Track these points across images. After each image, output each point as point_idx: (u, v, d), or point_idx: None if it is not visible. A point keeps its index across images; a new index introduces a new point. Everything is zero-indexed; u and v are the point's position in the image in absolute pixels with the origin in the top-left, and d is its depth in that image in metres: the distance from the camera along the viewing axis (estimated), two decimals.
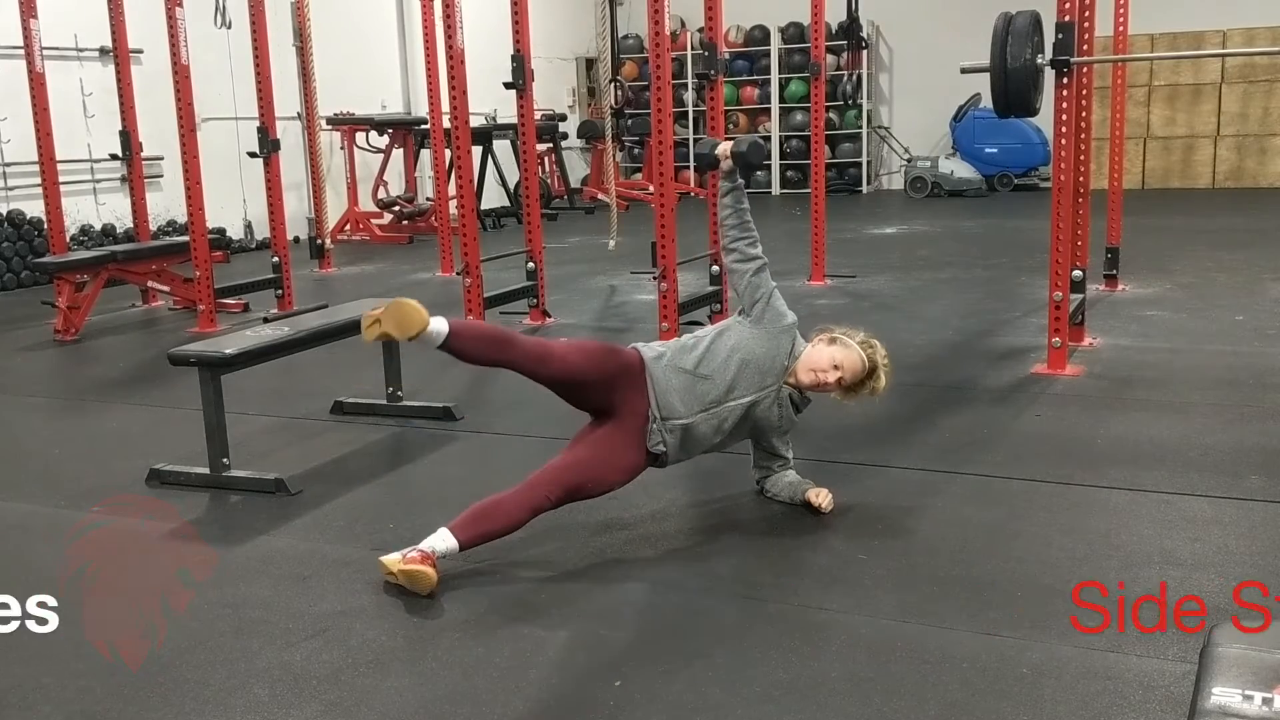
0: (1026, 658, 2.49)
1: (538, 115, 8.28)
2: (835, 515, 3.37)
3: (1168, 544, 3.11)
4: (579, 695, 2.41)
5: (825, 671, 2.46)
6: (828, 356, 3.26)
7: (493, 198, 12.59)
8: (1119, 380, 4.90)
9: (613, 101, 10.45)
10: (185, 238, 7.20)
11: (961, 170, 13.98)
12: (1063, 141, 4.90)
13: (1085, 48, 5.12)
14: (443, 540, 2.95)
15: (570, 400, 3.28)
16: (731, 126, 15.07)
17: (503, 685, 2.45)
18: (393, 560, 2.93)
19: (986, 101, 6.51)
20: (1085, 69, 5.23)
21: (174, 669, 2.58)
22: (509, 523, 3.04)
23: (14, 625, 2.82)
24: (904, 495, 3.58)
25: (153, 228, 8.78)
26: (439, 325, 3.11)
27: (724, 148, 3.45)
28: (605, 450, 3.16)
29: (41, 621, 2.85)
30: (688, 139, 15.42)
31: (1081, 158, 5.35)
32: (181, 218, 8.33)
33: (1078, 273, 5.40)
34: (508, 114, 8.77)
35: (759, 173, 15.59)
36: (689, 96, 15.24)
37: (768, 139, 15.44)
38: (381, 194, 11.50)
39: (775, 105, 15.32)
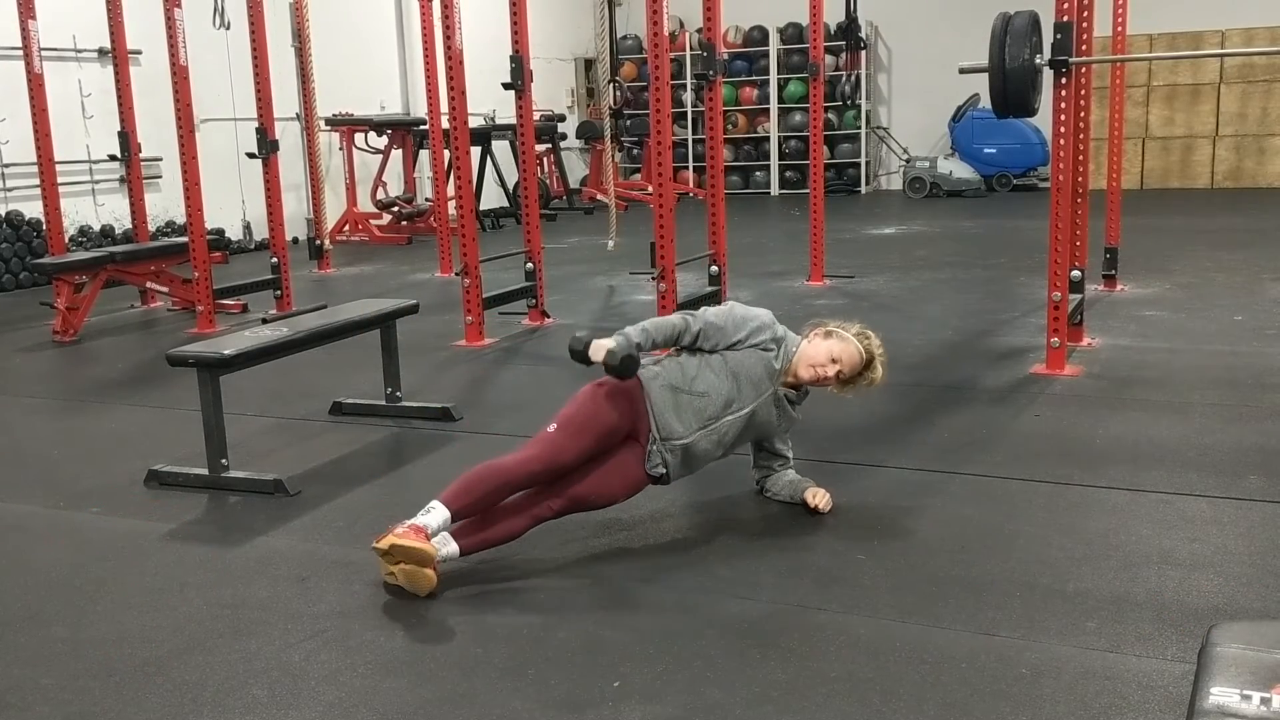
0: (1025, 658, 2.49)
1: (536, 116, 8.28)
2: (834, 515, 3.37)
3: (1166, 544, 3.11)
4: (578, 695, 2.40)
5: (824, 672, 2.46)
6: (825, 351, 3.27)
7: (492, 198, 12.59)
8: (1118, 380, 4.90)
9: (611, 102, 10.46)
10: (184, 239, 7.20)
11: (960, 170, 13.99)
12: (1061, 142, 4.90)
13: (1084, 48, 5.13)
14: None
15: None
16: (730, 126, 15.08)
17: (501, 685, 2.45)
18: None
19: (985, 102, 6.52)
20: (1084, 69, 5.23)
21: (172, 670, 2.58)
22: (510, 532, 3.06)
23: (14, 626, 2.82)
24: (903, 495, 3.58)
25: (151, 229, 8.78)
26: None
27: (597, 348, 3.16)
28: (611, 466, 3.16)
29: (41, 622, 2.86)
30: (687, 139, 15.43)
31: (1080, 158, 5.35)
32: (180, 219, 8.33)
33: (1076, 273, 5.40)
34: (506, 114, 8.77)
35: (757, 174, 15.61)
36: (688, 97, 15.24)
37: (756, 147, 15.43)
38: (380, 195, 11.50)
39: (774, 105, 15.32)
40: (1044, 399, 4.65)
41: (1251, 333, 5.75)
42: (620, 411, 3.15)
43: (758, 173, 15.64)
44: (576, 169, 14.97)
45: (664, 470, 3.21)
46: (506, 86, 6.31)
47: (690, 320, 3.28)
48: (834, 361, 3.25)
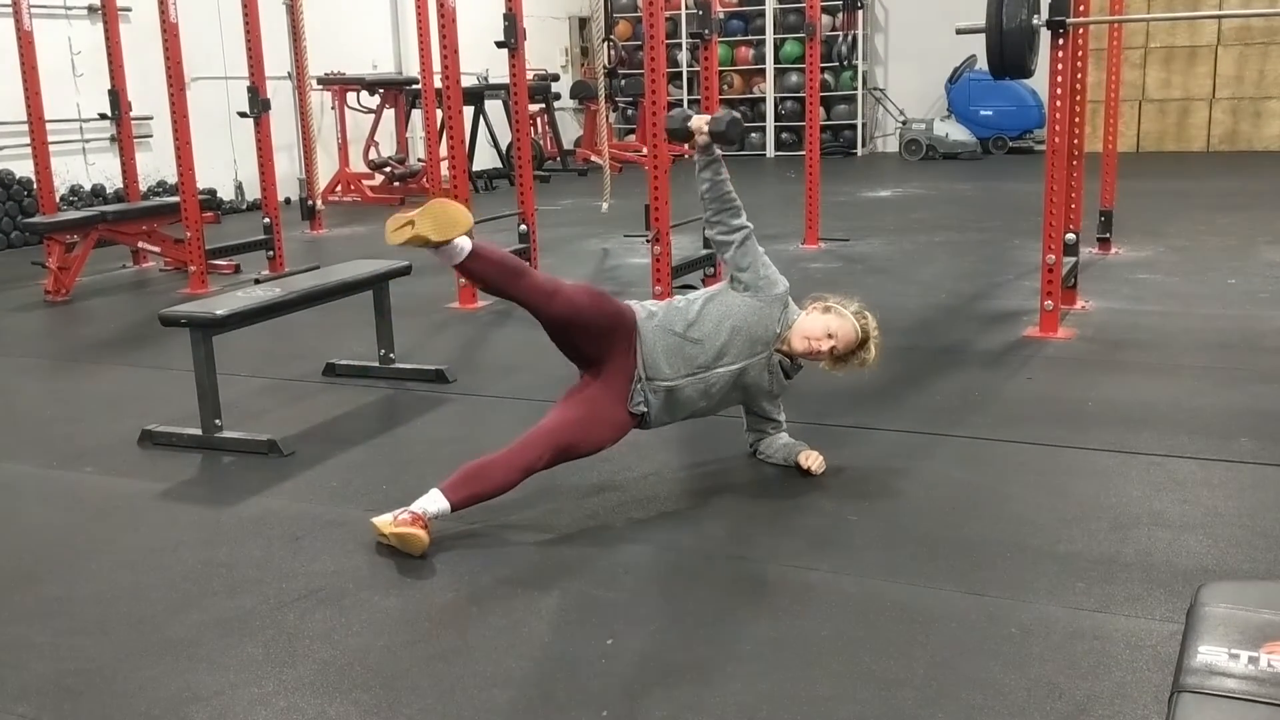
0: (1015, 617, 2.51)
1: (530, 75, 8.20)
2: (826, 477, 3.38)
3: (1157, 505, 3.12)
4: (571, 653, 2.42)
5: (814, 630, 2.48)
6: (822, 325, 3.26)
7: (485, 159, 12.52)
8: (1110, 343, 4.91)
9: (606, 61, 10.35)
10: (175, 198, 7.16)
11: (956, 133, 13.93)
12: (1058, 104, 4.88)
13: (1081, 8, 5.09)
14: (434, 501, 2.96)
15: (563, 345, 3.25)
16: (726, 87, 14.99)
17: (496, 644, 2.47)
18: (384, 522, 2.94)
19: (982, 63, 6.47)
20: (1081, 30, 5.19)
21: (167, 628, 2.59)
22: (501, 484, 3.04)
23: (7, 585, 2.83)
24: (894, 457, 3.59)
25: (142, 188, 8.72)
26: (462, 240, 3.10)
27: (698, 121, 3.33)
28: (594, 409, 3.16)
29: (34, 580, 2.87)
30: (682, 100, 15.32)
31: (1076, 120, 5.33)
32: (172, 178, 8.27)
33: (1071, 236, 5.39)
34: (500, 74, 8.70)
35: (752, 136, 15.53)
36: (683, 57, 15.14)
37: (751, 108, 15.36)
38: (373, 155, 11.43)
39: (770, 66, 15.23)
40: (1036, 362, 4.66)
41: (1244, 296, 5.75)
42: (613, 322, 3.18)
43: (753, 134, 15.56)
44: (570, 130, 14.87)
45: (645, 409, 3.20)
46: (500, 45, 6.26)
47: (750, 236, 3.32)
48: (829, 336, 3.25)
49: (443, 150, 7.88)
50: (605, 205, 7.95)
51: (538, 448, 3.06)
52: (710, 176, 3.36)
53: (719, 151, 3.37)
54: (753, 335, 3.25)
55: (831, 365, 3.32)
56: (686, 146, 3.46)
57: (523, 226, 6.58)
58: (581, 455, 3.18)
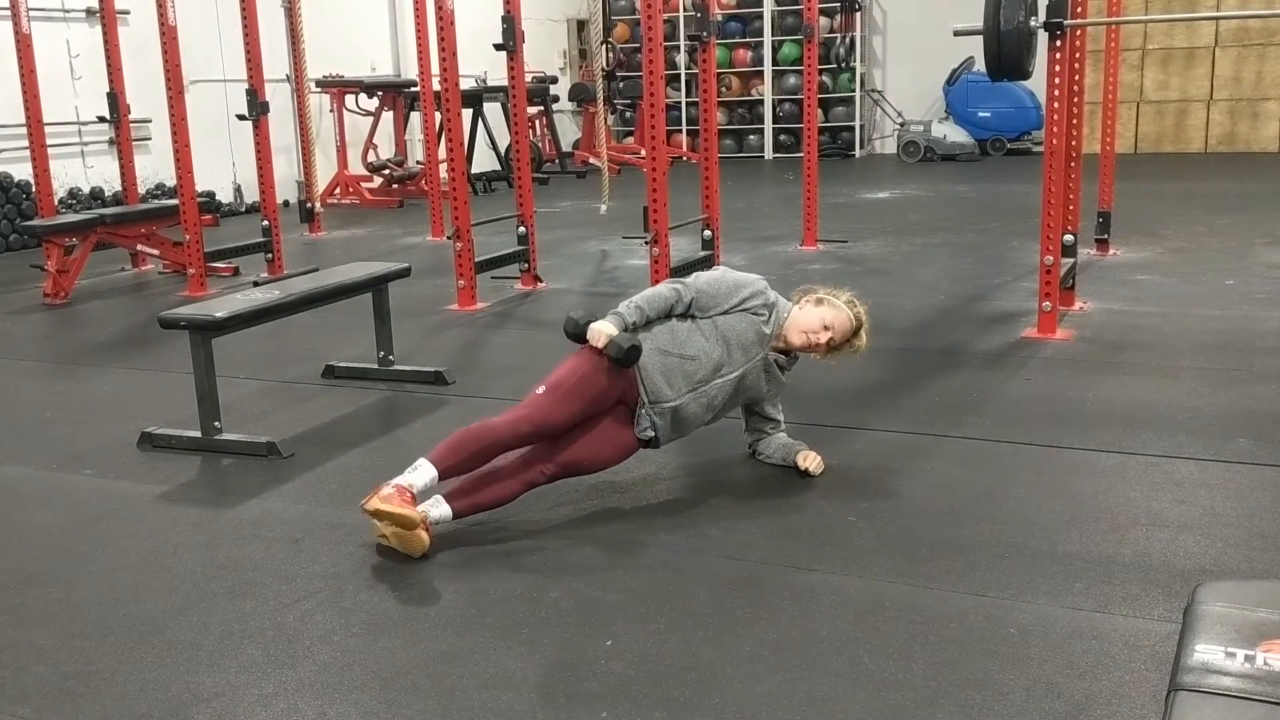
0: (1014, 618, 2.52)
1: (528, 78, 8.20)
2: (825, 478, 3.39)
3: (1155, 506, 3.13)
4: (571, 654, 2.43)
5: (814, 631, 2.49)
6: (818, 317, 3.29)
7: (483, 161, 12.53)
8: (1109, 344, 4.91)
9: (604, 64, 10.36)
10: (174, 201, 7.16)
11: (954, 134, 13.93)
12: (1055, 105, 4.89)
13: (1079, 10, 5.09)
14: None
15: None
16: (724, 89, 15.00)
17: (494, 645, 2.47)
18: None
19: (980, 65, 6.48)
20: (1079, 32, 5.20)
21: (167, 630, 2.60)
22: (503, 496, 3.08)
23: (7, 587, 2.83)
24: (893, 458, 3.60)
25: (141, 191, 8.72)
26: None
27: (596, 334, 3.12)
28: (601, 431, 3.17)
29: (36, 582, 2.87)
30: (680, 102, 15.33)
31: (1074, 122, 5.33)
32: (170, 181, 8.27)
33: (1069, 237, 5.40)
34: (498, 76, 8.70)
35: (751, 138, 15.54)
36: (681, 59, 15.14)
37: (750, 110, 15.35)
38: (371, 157, 11.44)
39: (768, 68, 15.24)
40: (1035, 363, 4.67)
41: (1242, 297, 5.76)
42: (610, 377, 3.15)
43: (751, 136, 15.57)
44: (569, 132, 14.89)
45: (653, 433, 3.22)
46: (498, 48, 6.26)
47: (682, 290, 3.27)
48: (827, 328, 3.28)
49: (441, 153, 7.89)
50: (604, 207, 7.96)
51: (542, 463, 3.10)
52: (636, 333, 3.17)
53: (626, 344, 3.10)
54: (744, 341, 3.27)
55: (827, 355, 3.36)
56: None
57: (521, 229, 6.59)
58: (586, 473, 3.22)
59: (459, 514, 3.01)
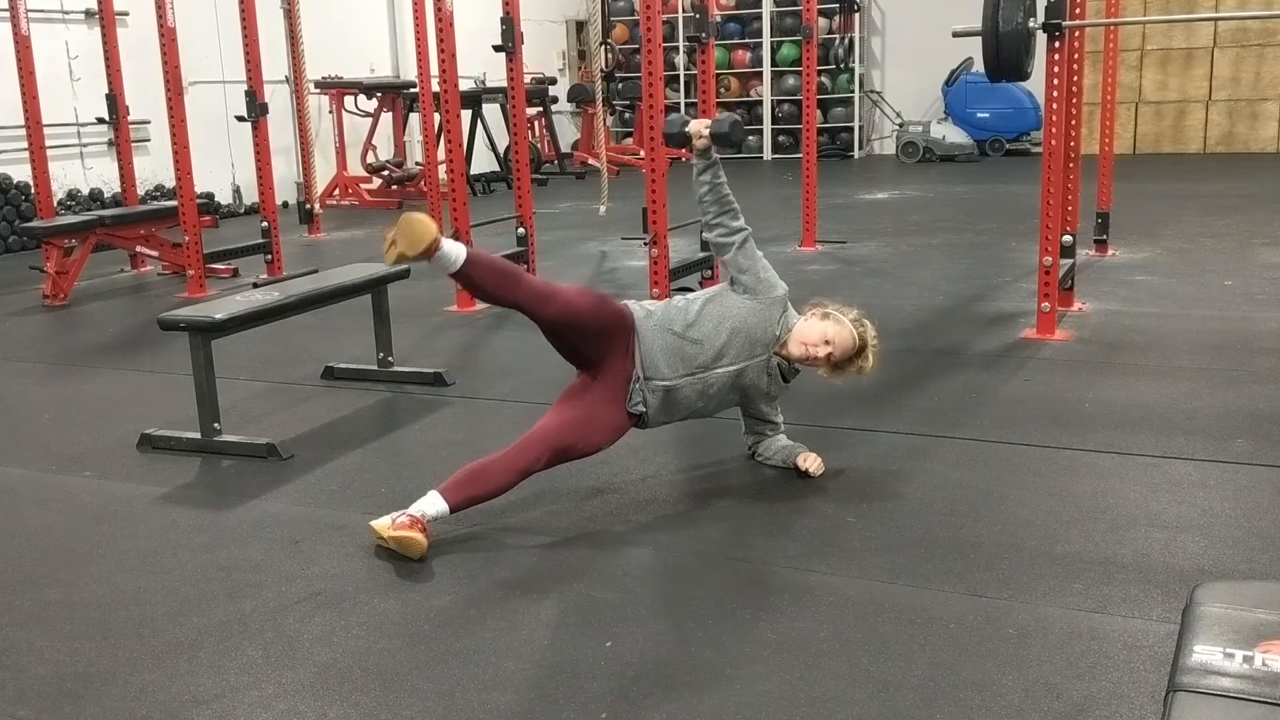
0: (1013, 618, 2.52)
1: (527, 79, 8.21)
2: (825, 479, 3.39)
3: (1154, 506, 3.13)
4: (571, 656, 2.43)
5: (814, 632, 2.49)
6: (820, 331, 3.25)
7: (482, 162, 12.53)
8: (1107, 345, 4.92)
9: (603, 65, 10.36)
10: (173, 202, 7.16)
11: (953, 135, 13.94)
12: (1054, 106, 4.89)
13: (1077, 11, 5.10)
14: (433, 504, 2.96)
15: (561, 346, 3.25)
16: (723, 90, 14.99)
17: (495, 646, 2.47)
18: (382, 525, 2.94)
19: (978, 66, 6.49)
20: (1077, 33, 5.21)
21: (167, 631, 2.60)
22: (499, 485, 3.05)
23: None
24: (893, 459, 3.60)
25: (140, 192, 8.72)
26: (455, 250, 3.08)
27: (697, 126, 3.36)
28: (591, 411, 3.17)
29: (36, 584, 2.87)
30: (679, 103, 15.33)
31: (1073, 122, 5.34)
32: (169, 182, 8.27)
33: (1068, 238, 5.41)
34: (497, 77, 8.71)
35: (750, 139, 15.54)
36: (680, 60, 15.15)
37: (749, 111, 15.37)
38: (370, 159, 11.44)
39: (767, 69, 15.24)
40: (1034, 364, 4.67)
41: (1241, 298, 5.77)
42: (611, 322, 3.19)
43: (750, 137, 15.57)
44: (568, 133, 14.89)
45: (643, 409, 3.21)
46: (497, 49, 6.27)
47: (749, 238, 3.34)
48: (827, 343, 3.24)
49: (440, 154, 7.89)
50: (603, 208, 7.96)
51: (535, 449, 3.07)
52: (710, 180, 3.37)
53: (716, 155, 3.38)
54: (752, 337, 3.26)
55: (829, 372, 3.31)
56: (685, 151, 3.47)
57: (521, 230, 6.59)
58: (579, 456, 3.19)
59: (455, 508, 2.99)
